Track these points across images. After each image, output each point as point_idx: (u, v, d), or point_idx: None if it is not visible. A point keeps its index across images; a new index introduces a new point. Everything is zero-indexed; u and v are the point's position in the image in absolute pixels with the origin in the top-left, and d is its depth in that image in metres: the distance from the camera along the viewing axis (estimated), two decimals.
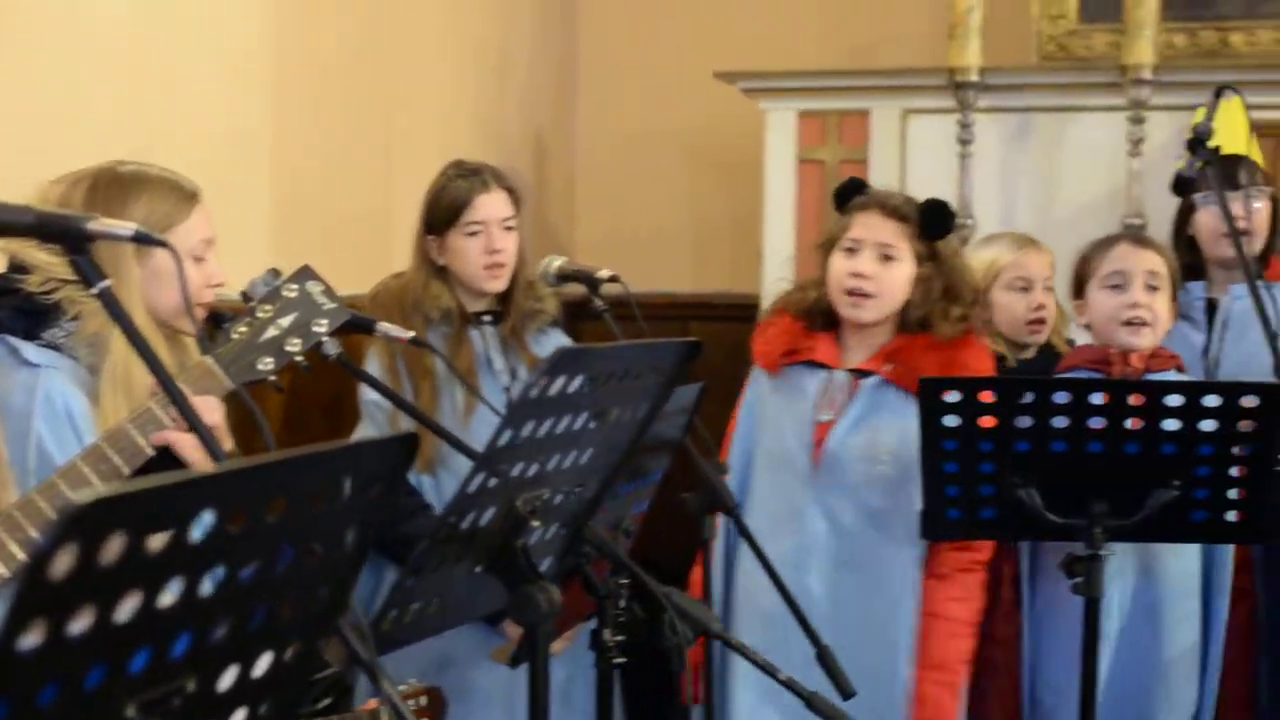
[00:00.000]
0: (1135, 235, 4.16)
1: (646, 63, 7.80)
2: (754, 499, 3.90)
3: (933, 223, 3.85)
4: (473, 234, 4.09)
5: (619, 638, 3.02)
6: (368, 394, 4.02)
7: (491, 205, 4.12)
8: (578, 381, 2.34)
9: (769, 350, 3.92)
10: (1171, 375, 3.92)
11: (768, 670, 2.84)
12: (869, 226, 3.85)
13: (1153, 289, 3.97)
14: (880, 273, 3.82)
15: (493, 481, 2.33)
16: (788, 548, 3.80)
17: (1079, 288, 4.08)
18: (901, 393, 3.78)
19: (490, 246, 4.10)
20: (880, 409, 3.81)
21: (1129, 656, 3.85)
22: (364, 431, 4.04)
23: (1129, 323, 3.93)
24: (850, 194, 3.93)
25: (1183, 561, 3.88)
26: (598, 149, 7.95)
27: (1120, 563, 3.82)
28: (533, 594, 2.44)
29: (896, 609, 3.80)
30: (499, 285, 4.14)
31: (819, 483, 3.80)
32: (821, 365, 3.88)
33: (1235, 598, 3.93)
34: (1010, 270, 4.40)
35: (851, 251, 3.84)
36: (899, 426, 3.74)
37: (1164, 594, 3.89)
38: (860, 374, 3.86)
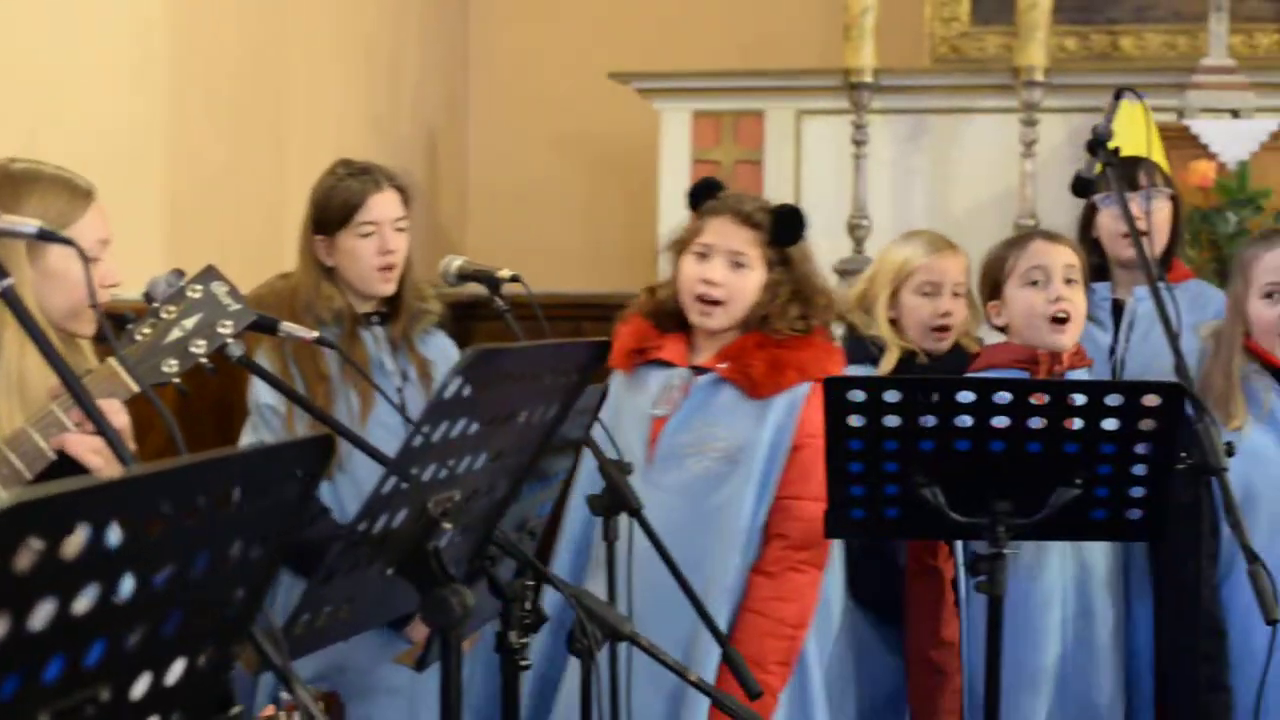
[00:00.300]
0: (1046, 232, 4.17)
1: (540, 63, 7.78)
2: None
3: (785, 230, 3.82)
4: (366, 235, 4.02)
5: (525, 640, 2.99)
6: (261, 397, 3.94)
7: (384, 205, 4.06)
8: (486, 382, 2.31)
9: (621, 350, 3.88)
10: (1084, 374, 3.94)
11: (678, 671, 2.83)
12: (721, 233, 3.81)
13: (1071, 282, 3.98)
14: (730, 280, 3.79)
15: (405, 484, 2.30)
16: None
17: (993, 289, 4.09)
18: (735, 390, 3.76)
19: (383, 247, 4.03)
20: (711, 406, 3.78)
21: (1073, 649, 3.86)
22: (253, 436, 3.95)
23: (1054, 319, 3.95)
24: (705, 194, 3.89)
25: (1107, 555, 3.90)
26: (491, 149, 7.92)
27: (1060, 556, 3.85)
28: (445, 597, 2.40)
29: (722, 608, 3.72)
30: (391, 287, 4.08)
31: (651, 479, 3.76)
32: (668, 364, 3.86)
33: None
34: (921, 274, 4.36)
35: (703, 256, 3.81)
36: (728, 423, 3.73)
37: (1096, 587, 3.90)
38: (700, 371, 3.84)
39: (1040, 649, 3.89)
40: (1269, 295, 3.93)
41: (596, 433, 3.37)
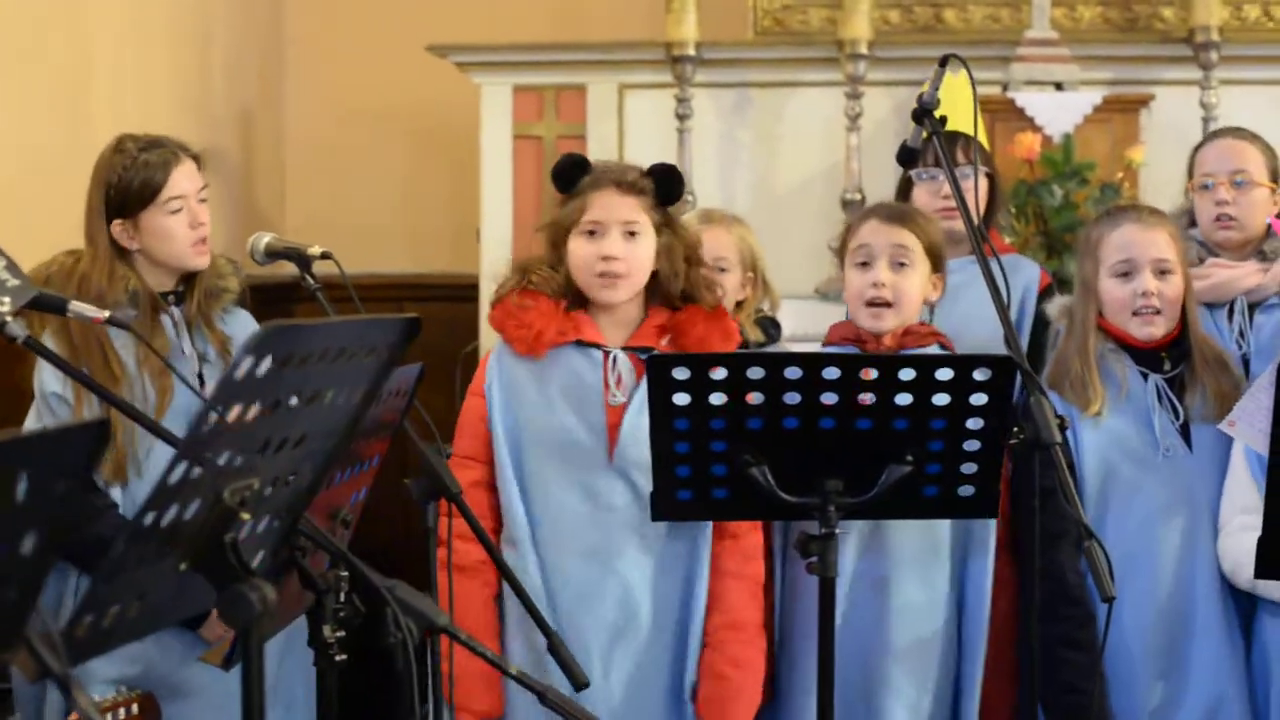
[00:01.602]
0: (890, 208, 4.06)
1: (357, 35, 7.61)
2: (541, 488, 3.72)
3: (667, 190, 3.75)
4: (175, 211, 3.86)
5: (339, 634, 2.85)
6: (48, 384, 3.75)
7: (186, 178, 3.90)
8: (286, 361, 2.16)
9: (533, 334, 3.72)
10: (934, 350, 3.86)
11: (497, 665, 2.71)
12: (609, 206, 3.70)
13: (901, 265, 3.90)
14: (628, 252, 3.70)
15: (196, 471, 2.14)
16: (594, 532, 3.67)
17: (840, 260, 4.02)
18: None
19: (194, 220, 3.88)
20: None
21: (857, 629, 3.78)
22: (36, 426, 3.76)
23: (870, 303, 3.87)
24: (572, 172, 3.77)
25: (915, 535, 3.82)
26: (308, 125, 7.74)
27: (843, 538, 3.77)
28: (244, 593, 2.25)
29: (697, 580, 3.70)
30: (206, 260, 3.93)
31: (618, 466, 3.66)
32: (593, 345, 3.73)
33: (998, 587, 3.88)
34: None
35: (593, 234, 3.70)
36: None
37: (894, 568, 3.82)
38: (638, 351, 3.73)
39: (903, 627, 3.82)
40: (1121, 274, 3.90)
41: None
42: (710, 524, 3.71)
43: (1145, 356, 3.91)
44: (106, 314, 2.91)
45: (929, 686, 3.81)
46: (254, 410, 2.18)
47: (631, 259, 3.70)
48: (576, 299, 3.77)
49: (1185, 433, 3.88)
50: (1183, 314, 3.93)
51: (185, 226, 3.87)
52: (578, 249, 3.72)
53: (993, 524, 3.77)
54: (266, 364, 2.13)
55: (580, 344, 3.73)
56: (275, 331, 2.09)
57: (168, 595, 2.31)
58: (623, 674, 3.65)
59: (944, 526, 3.81)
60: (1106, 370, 3.89)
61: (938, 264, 3.94)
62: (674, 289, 3.75)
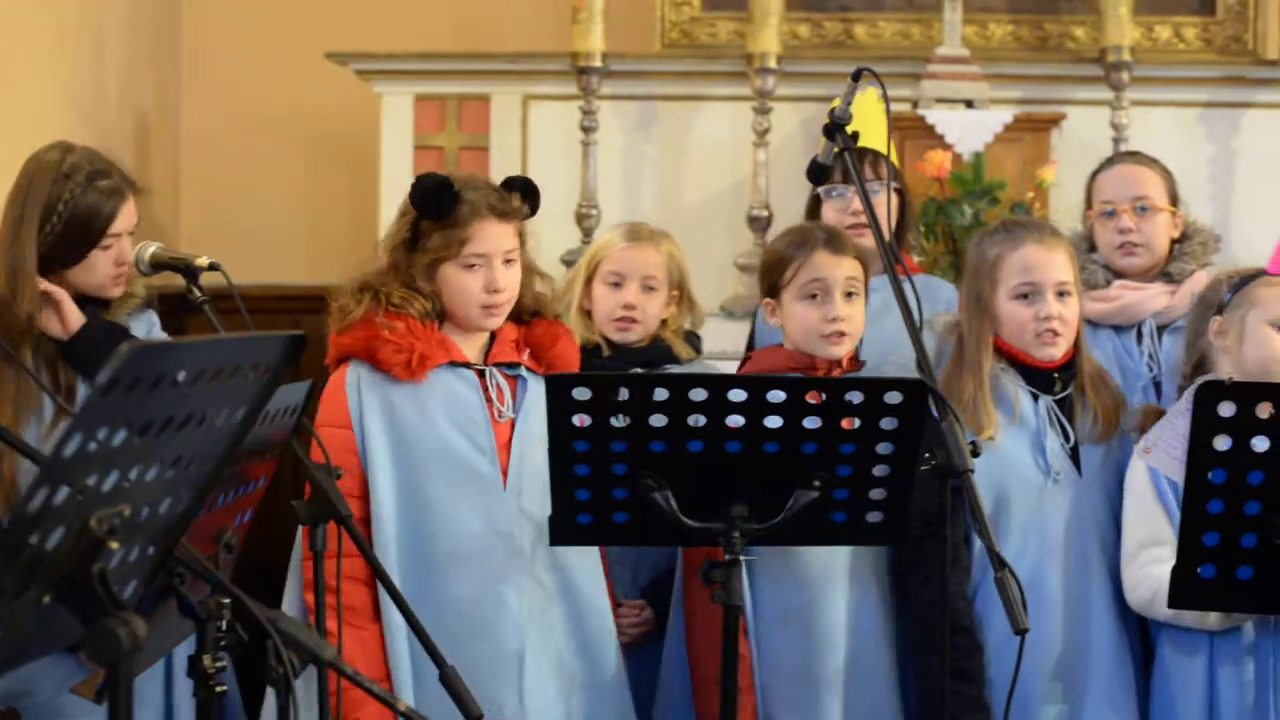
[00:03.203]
0: (829, 236, 3.96)
1: (256, 42, 7.48)
2: (430, 511, 3.59)
3: (535, 204, 3.69)
4: (106, 248, 3.78)
5: (220, 664, 2.72)
6: None
7: (127, 216, 3.88)
8: (160, 380, 2.03)
9: (415, 356, 3.58)
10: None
11: (386, 702, 2.59)
12: (492, 238, 3.60)
13: (851, 295, 3.83)
14: (510, 280, 3.64)
15: (60, 496, 2.00)
16: (491, 559, 3.58)
17: (770, 289, 3.92)
18: (542, 382, 3.56)
19: (121, 258, 3.83)
20: (536, 398, 3.62)
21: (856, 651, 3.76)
22: None
23: (832, 338, 3.80)
24: (440, 196, 3.60)
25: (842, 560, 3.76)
26: (204, 133, 7.59)
27: (838, 564, 3.75)
28: (111, 628, 2.11)
29: (599, 598, 3.67)
30: (121, 290, 3.86)
31: (512, 485, 3.60)
32: (460, 365, 3.63)
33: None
34: (608, 263, 4.23)
35: (475, 267, 3.58)
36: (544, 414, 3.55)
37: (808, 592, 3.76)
38: (506, 367, 3.64)
39: (830, 652, 3.75)
40: (1022, 296, 3.83)
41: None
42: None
43: (1037, 377, 3.85)
44: None
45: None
46: (122, 433, 2.04)
47: (512, 287, 3.63)
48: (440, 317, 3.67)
49: (1074, 456, 3.82)
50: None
51: (110, 262, 3.79)
52: (459, 281, 3.60)
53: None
54: (139, 383, 2.00)
55: (451, 365, 3.62)
56: (140, 352, 1.96)
57: (32, 629, 2.17)
58: (516, 706, 3.54)
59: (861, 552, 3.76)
60: (999, 392, 3.84)
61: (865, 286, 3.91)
62: (526, 302, 3.70)
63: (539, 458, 3.48)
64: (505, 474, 3.60)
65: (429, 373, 3.60)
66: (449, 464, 3.59)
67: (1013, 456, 3.79)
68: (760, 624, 3.74)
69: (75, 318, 3.75)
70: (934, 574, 3.42)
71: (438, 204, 3.60)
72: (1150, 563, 3.67)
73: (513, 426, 3.63)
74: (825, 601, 3.74)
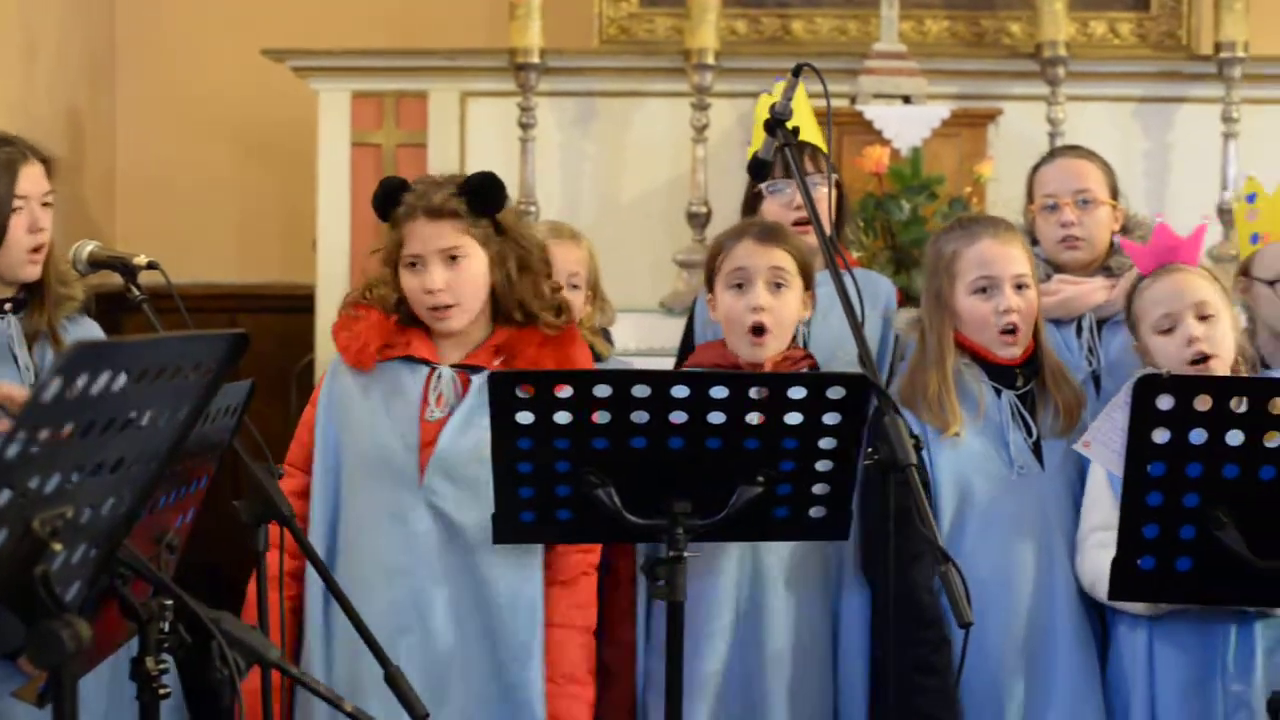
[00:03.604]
0: (762, 227, 3.96)
1: (192, 38, 7.43)
2: (352, 504, 3.62)
3: (484, 201, 3.63)
4: (15, 210, 3.69)
5: (163, 666, 2.70)
6: None
7: (32, 180, 3.76)
8: (103, 380, 2.02)
9: (360, 345, 3.61)
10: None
11: (332, 702, 2.58)
12: (423, 238, 3.59)
13: (778, 286, 3.82)
14: (453, 279, 3.59)
15: (2, 499, 1.99)
16: (396, 556, 3.57)
17: (708, 277, 3.93)
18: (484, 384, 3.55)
19: (34, 225, 3.73)
20: (478, 400, 3.57)
21: (739, 652, 3.74)
22: None
23: (752, 329, 3.78)
24: (391, 199, 3.64)
25: (785, 555, 3.75)
26: (139, 130, 7.54)
27: (738, 557, 3.73)
28: (54, 630, 2.09)
29: (522, 620, 3.60)
30: (37, 271, 3.80)
31: (429, 485, 3.54)
32: (422, 361, 3.62)
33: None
34: None
35: (414, 266, 3.58)
36: None
37: (770, 588, 3.77)
38: (468, 369, 3.62)
39: (704, 655, 3.74)
40: (980, 291, 3.84)
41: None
42: (538, 563, 3.61)
43: (999, 372, 3.87)
44: None
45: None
46: (65, 433, 2.03)
47: (457, 286, 3.60)
48: (415, 316, 3.67)
49: (1037, 450, 3.84)
50: (1034, 328, 3.90)
51: (22, 230, 3.72)
52: (406, 283, 3.64)
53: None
54: (81, 383, 1.99)
55: (409, 359, 3.62)
56: (85, 350, 1.95)
57: None
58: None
59: (815, 551, 3.75)
60: (962, 388, 3.85)
61: (809, 281, 3.88)
62: (509, 302, 3.64)
63: (466, 459, 3.48)
64: (422, 472, 3.58)
65: (383, 365, 3.61)
66: (369, 455, 3.61)
67: (976, 451, 3.81)
68: (654, 616, 3.74)
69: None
70: (900, 568, 3.44)
71: (380, 206, 3.67)
72: (1096, 546, 3.69)
73: (442, 427, 3.61)
74: (712, 596, 3.74)
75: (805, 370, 3.82)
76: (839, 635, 3.83)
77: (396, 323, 3.67)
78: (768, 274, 3.81)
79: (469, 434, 3.58)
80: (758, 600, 3.78)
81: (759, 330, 3.79)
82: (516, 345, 3.65)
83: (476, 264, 3.62)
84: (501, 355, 3.65)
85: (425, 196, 3.63)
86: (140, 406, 2.22)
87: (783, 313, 3.82)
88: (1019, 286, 3.85)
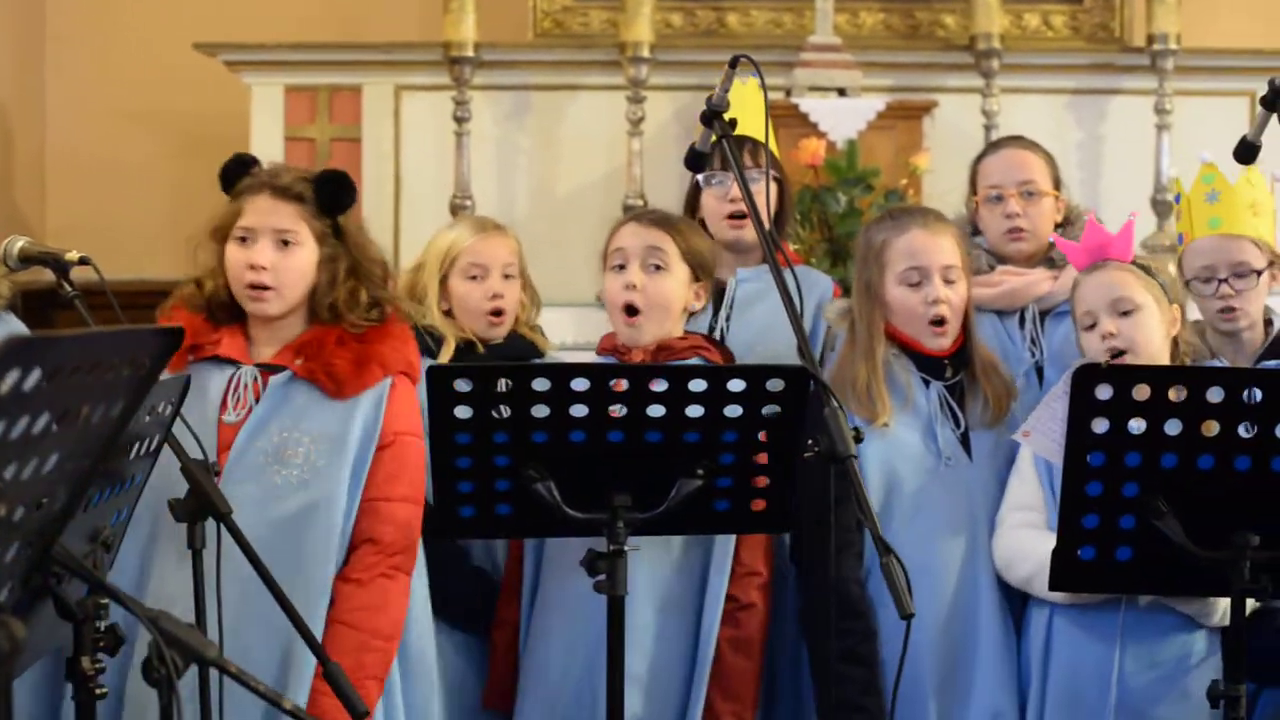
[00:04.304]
0: (650, 213, 3.96)
1: (123, 31, 7.38)
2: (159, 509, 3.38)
3: (331, 198, 3.54)
4: None
5: (100, 665, 2.67)
6: None
7: None
8: (34, 376, 1.98)
9: None
10: (695, 362, 3.75)
11: (271, 700, 2.54)
12: (261, 212, 3.50)
13: (656, 268, 3.79)
14: (279, 261, 3.49)
15: None
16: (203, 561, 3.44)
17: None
18: (314, 390, 3.46)
19: None
20: (290, 407, 3.47)
21: (656, 647, 3.69)
22: None
23: (624, 308, 3.77)
24: (236, 173, 3.58)
25: (701, 549, 3.74)
26: (70, 124, 7.48)
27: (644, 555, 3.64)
28: None
29: (319, 623, 3.41)
30: None
31: (227, 490, 3.28)
32: (228, 361, 3.53)
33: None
34: (465, 256, 4.13)
35: (245, 241, 3.50)
36: (310, 426, 3.43)
37: (691, 583, 3.73)
38: (271, 369, 3.52)
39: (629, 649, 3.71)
40: (911, 283, 3.84)
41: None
42: (336, 565, 3.44)
43: (928, 363, 3.86)
44: None
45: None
46: None
47: (281, 270, 3.47)
48: (234, 312, 3.56)
49: (965, 442, 3.84)
50: (964, 320, 3.90)
51: None
52: (230, 255, 3.49)
53: (731, 543, 3.69)
54: (12, 379, 1.95)
55: (217, 359, 3.53)
56: (15, 346, 1.91)
57: None
58: None
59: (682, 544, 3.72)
60: (891, 378, 3.84)
61: (700, 273, 3.85)
62: (323, 303, 3.52)
63: (261, 462, 3.40)
64: (219, 475, 3.39)
65: (194, 365, 3.46)
66: (202, 449, 3.44)
67: (904, 441, 3.80)
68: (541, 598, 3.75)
69: None
70: (828, 558, 3.44)
71: (229, 176, 3.58)
72: (1017, 526, 3.70)
73: (239, 430, 3.46)
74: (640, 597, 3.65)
75: (694, 358, 3.77)
76: (776, 628, 3.82)
77: (208, 320, 3.55)
78: (643, 254, 3.78)
79: (264, 437, 3.46)
80: (669, 597, 3.72)
81: (630, 310, 3.77)
82: (313, 343, 3.52)
83: (305, 255, 3.50)
84: (301, 355, 3.51)
85: (275, 175, 3.56)
86: (73, 402, 2.19)
87: (658, 294, 3.79)
88: (948, 279, 3.85)
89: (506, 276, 4.12)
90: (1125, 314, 3.79)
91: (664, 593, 3.69)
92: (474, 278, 4.08)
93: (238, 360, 3.50)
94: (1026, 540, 3.66)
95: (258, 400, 3.47)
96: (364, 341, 3.51)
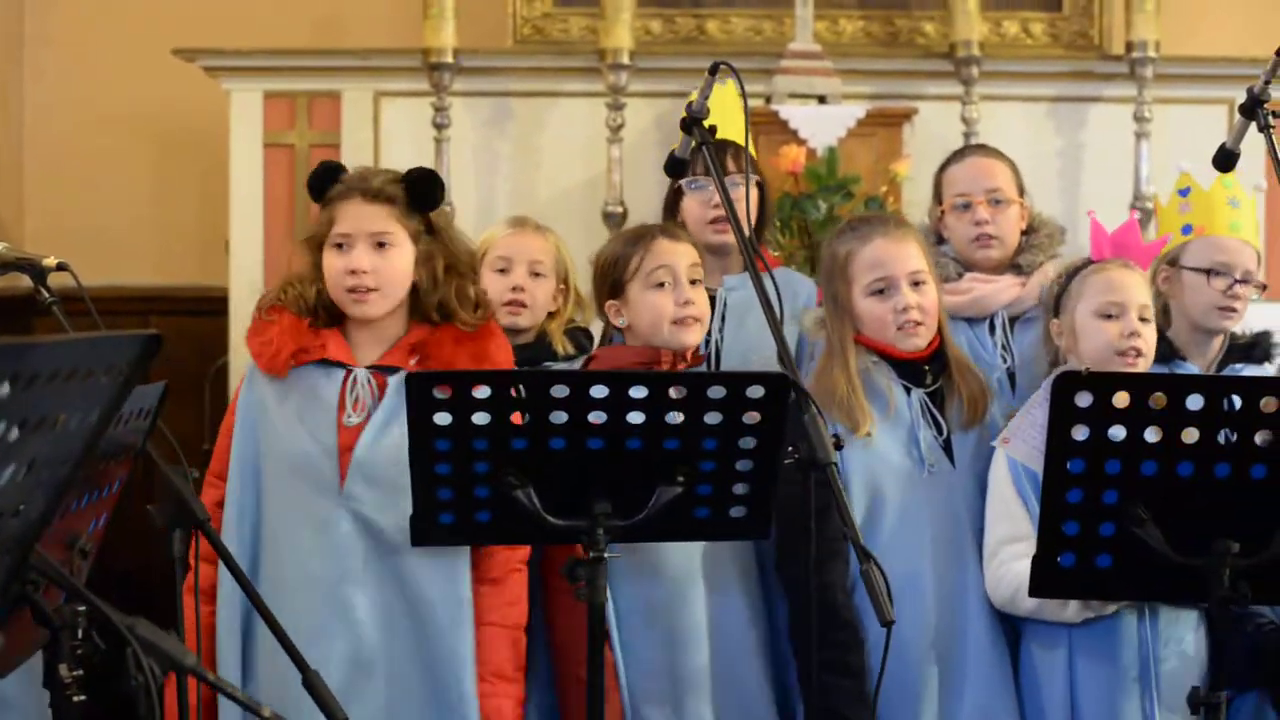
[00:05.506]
0: (667, 229, 4.01)
1: (102, 35, 7.36)
2: (273, 513, 3.58)
3: (422, 196, 3.61)
4: None
5: (78, 673, 2.66)
6: None
7: None
8: (10, 383, 1.97)
9: (273, 351, 3.57)
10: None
11: (250, 708, 2.53)
12: (355, 218, 3.57)
13: (695, 282, 3.88)
14: (379, 264, 3.55)
15: None
16: (318, 563, 3.52)
17: (613, 289, 3.95)
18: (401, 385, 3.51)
19: None
20: (396, 403, 3.53)
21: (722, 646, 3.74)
22: None
23: (678, 321, 3.80)
24: (325, 181, 3.63)
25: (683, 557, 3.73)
26: (48, 130, 7.45)
27: (695, 561, 3.74)
28: None
29: (451, 620, 3.55)
30: None
31: (350, 491, 3.50)
32: (337, 364, 3.57)
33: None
34: (495, 250, 4.22)
35: (342, 247, 3.55)
36: None
37: (669, 590, 3.75)
38: (384, 370, 3.57)
39: (694, 649, 3.75)
40: (877, 292, 3.84)
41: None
42: (465, 563, 3.58)
43: (907, 369, 3.87)
44: None
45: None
46: None
47: (382, 272, 3.57)
48: (332, 315, 3.62)
49: (947, 448, 3.84)
50: (938, 322, 3.91)
51: None
52: (328, 263, 3.59)
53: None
54: None
55: (325, 363, 3.58)
56: None
57: None
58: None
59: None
60: (872, 386, 3.84)
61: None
62: (430, 301, 3.60)
63: (386, 462, 3.45)
64: (343, 479, 3.54)
65: (298, 370, 3.57)
66: (287, 464, 3.56)
67: (887, 450, 3.80)
68: (623, 622, 3.72)
69: None
70: (815, 567, 3.43)
71: (318, 184, 3.65)
72: (1010, 559, 3.69)
73: (360, 431, 3.56)
74: (686, 598, 3.73)
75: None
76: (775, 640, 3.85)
77: (310, 325, 3.62)
78: (688, 271, 3.89)
79: (387, 437, 3.54)
80: (675, 592, 3.77)
81: (692, 323, 3.85)
82: (432, 343, 3.61)
83: (403, 255, 3.59)
84: (417, 354, 3.61)
85: (364, 179, 3.64)
86: (50, 408, 2.17)
87: (703, 305, 3.88)
88: (916, 283, 3.85)
89: (536, 274, 4.19)
90: (1145, 320, 3.85)
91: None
92: (501, 270, 4.18)
93: (346, 363, 3.53)
94: (1025, 571, 3.65)
95: (374, 401, 3.51)
96: (478, 340, 3.61)
